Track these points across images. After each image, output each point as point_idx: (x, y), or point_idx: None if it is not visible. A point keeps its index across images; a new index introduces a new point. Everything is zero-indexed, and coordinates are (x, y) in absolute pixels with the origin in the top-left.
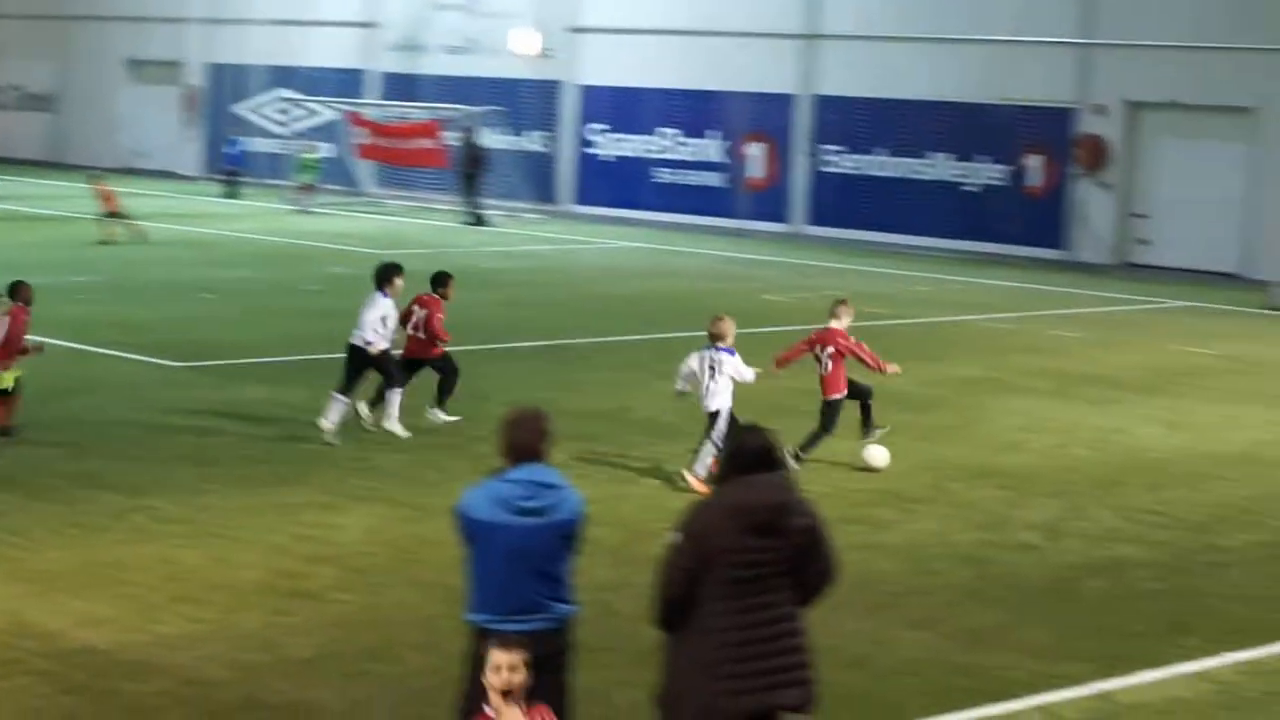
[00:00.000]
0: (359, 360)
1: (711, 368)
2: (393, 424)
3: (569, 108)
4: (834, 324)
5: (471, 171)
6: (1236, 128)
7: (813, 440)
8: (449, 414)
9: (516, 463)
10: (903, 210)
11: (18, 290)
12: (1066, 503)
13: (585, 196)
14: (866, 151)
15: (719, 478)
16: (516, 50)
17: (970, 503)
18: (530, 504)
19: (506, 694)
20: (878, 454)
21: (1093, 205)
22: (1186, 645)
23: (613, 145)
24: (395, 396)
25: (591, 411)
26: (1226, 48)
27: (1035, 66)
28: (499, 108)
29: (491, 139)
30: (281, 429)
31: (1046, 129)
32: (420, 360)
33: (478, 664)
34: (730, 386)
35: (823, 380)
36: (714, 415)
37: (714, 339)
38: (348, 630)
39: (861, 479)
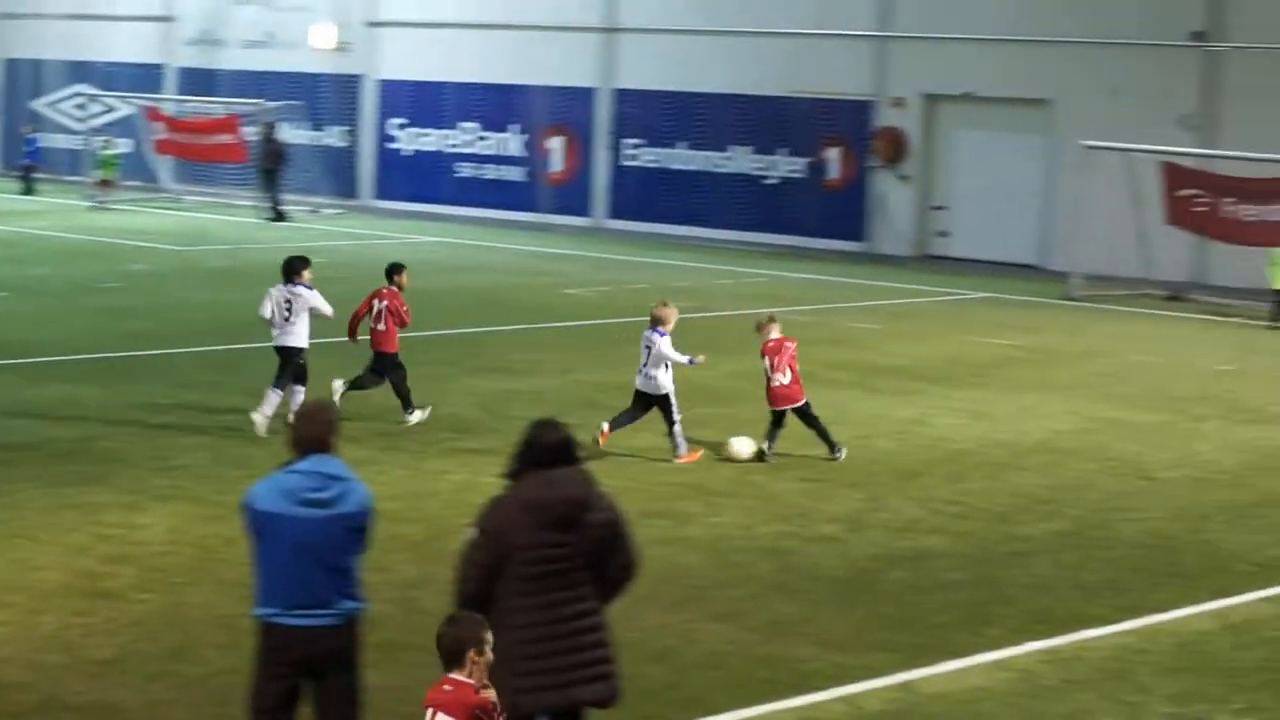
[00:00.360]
0: (287, 355)
1: (646, 348)
2: (261, 417)
3: (369, 102)
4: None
5: (271, 167)
6: (1033, 120)
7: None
8: (420, 408)
9: (304, 455)
10: (703, 204)
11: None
12: (868, 494)
13: (386, 191)
14: (667, 145)
15: (513, 473)
16: (315, 45)
17: (773, 495)
18: (317, 495)
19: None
20: (743, 445)
21: (892, 198)
22: (987, 635)
23: (413, 140)
24: (283, 394)
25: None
26: (1022, 40)
27: (833, 60)
28: (298, 102)
29: (291, 134)
30: (82, 428)
31: (845, 122)
32: (383, 354)
33: (265, 658)
34: (663, 368)
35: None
36: (650, 397)
37: (655, 322)
38: (149, 630)
39: (664, 472)
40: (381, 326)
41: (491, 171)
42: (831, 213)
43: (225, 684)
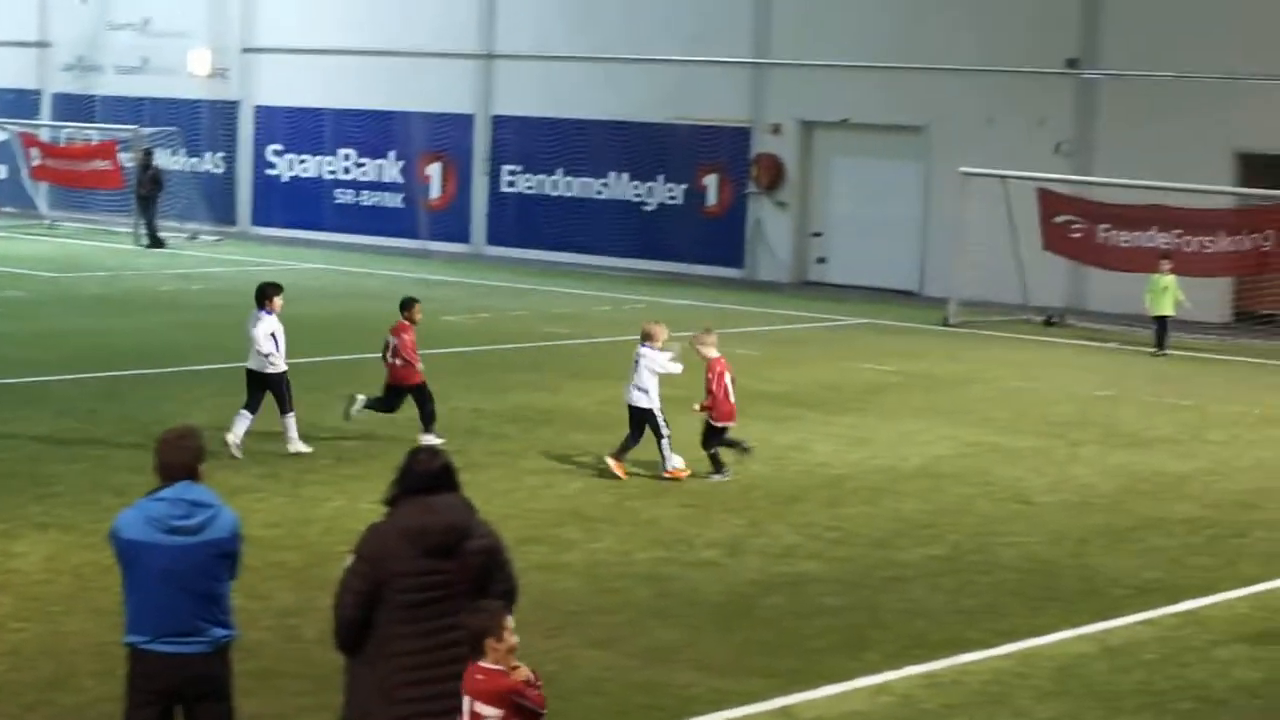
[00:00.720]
0: (256, 380)
1: (636, 361)
2: (295, 445)
3: (246, 128)
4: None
5: (148, 193)
6: (910, 146)
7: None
8: (438, 436)
9: (169, 481)
10: (582, 230)
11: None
12: (747, 520)
13: (264, 218)
14: (545, 172)
15: (391, 499)
16: (192, 70)
17: (651, 521)
18: (183, 523)
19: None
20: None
21: (770, 224)
22: (866, 659)
23: (291, 166)
24: (290, 421)
25: (272, 434)
26: (898, 67)
27: (711, 87)
28: (174, 128)
29: (168, 160)
30: None
31: (723, 149)
32: (402, 386)
33: (135, 686)
34: (655, 382)
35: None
36: (639, 411)
37: (645, 338)
38: (25, 659)
39: (543, 499)
40: (399, 362)
41: (370, 198)
42: (710, 239)
43: (103, 712)
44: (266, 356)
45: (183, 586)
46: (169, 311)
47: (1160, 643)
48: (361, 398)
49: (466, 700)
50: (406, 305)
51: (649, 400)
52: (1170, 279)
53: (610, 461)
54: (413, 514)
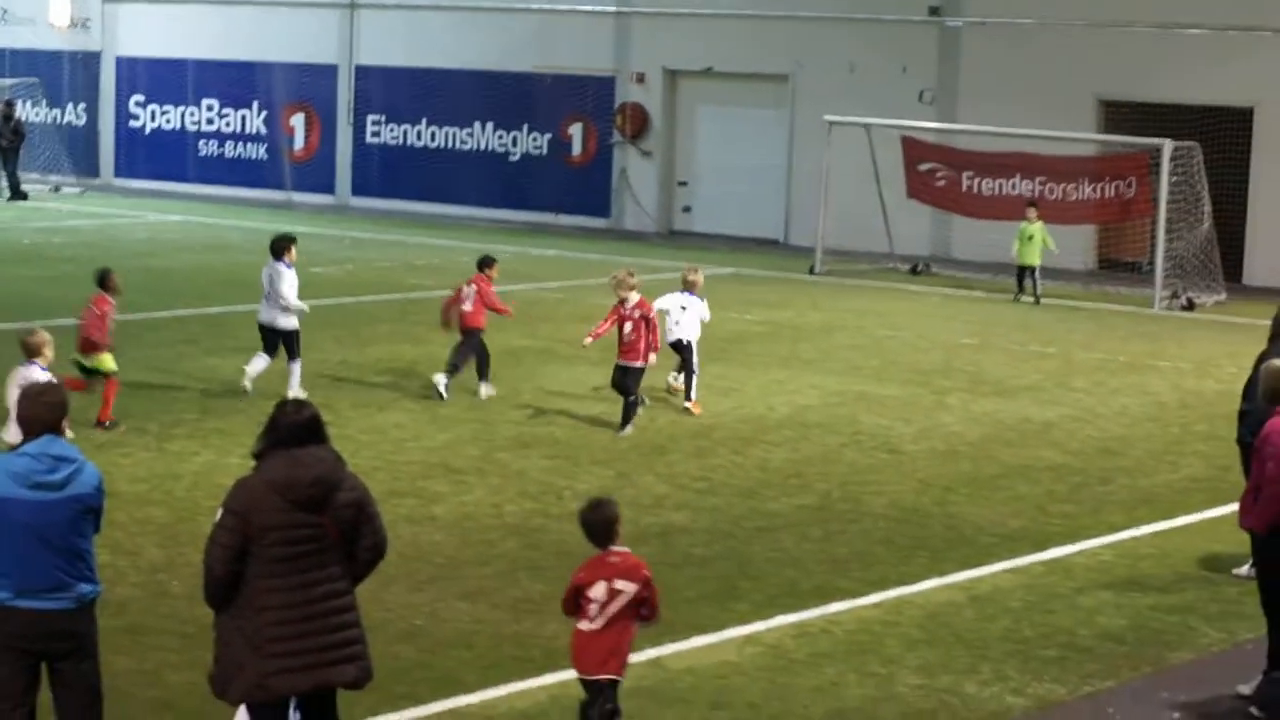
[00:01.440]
0: (271, 332)
1: (683, 307)
2: (296, 391)
3: (108, 80)
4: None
5: (9, 145)
6: (774, 95)
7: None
8: (491, 387)
9: (32, 436)
10: (448, 181)
11: (106, 278)
12: (615, 471)
13: (128, 170)
14: (410, 122)
15: (259, 453)
16: (52, 21)
17: (520, 472)
18: (47, 478)
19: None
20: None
21: (635, 173)
22: (736, 609)
23: (154, 118)
24: (296, 367)
25: (139, 387)
26: (762, 16)
27: (575, 36)
28: (36, 80)
29: (30, 112)
30: None
31: (587, 98)
32: (473, 329)
33: (3, 644)
34: (698, 323)
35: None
36: (683, 345)
37: (689, 286)
38: None
39: (411, 452)
40: (469, 307)
41: (233, 149)
42: (576, 189)
43: None
44: (295, 311)
45: (47, 542)
46: (31, 264)
47: (1026, 590)
48: (441, 377)
49: (602, 584)
50: (487, 263)
51: (691, 334)
52: (1037, 226)
53: (689, 405)
54: (280, 467)
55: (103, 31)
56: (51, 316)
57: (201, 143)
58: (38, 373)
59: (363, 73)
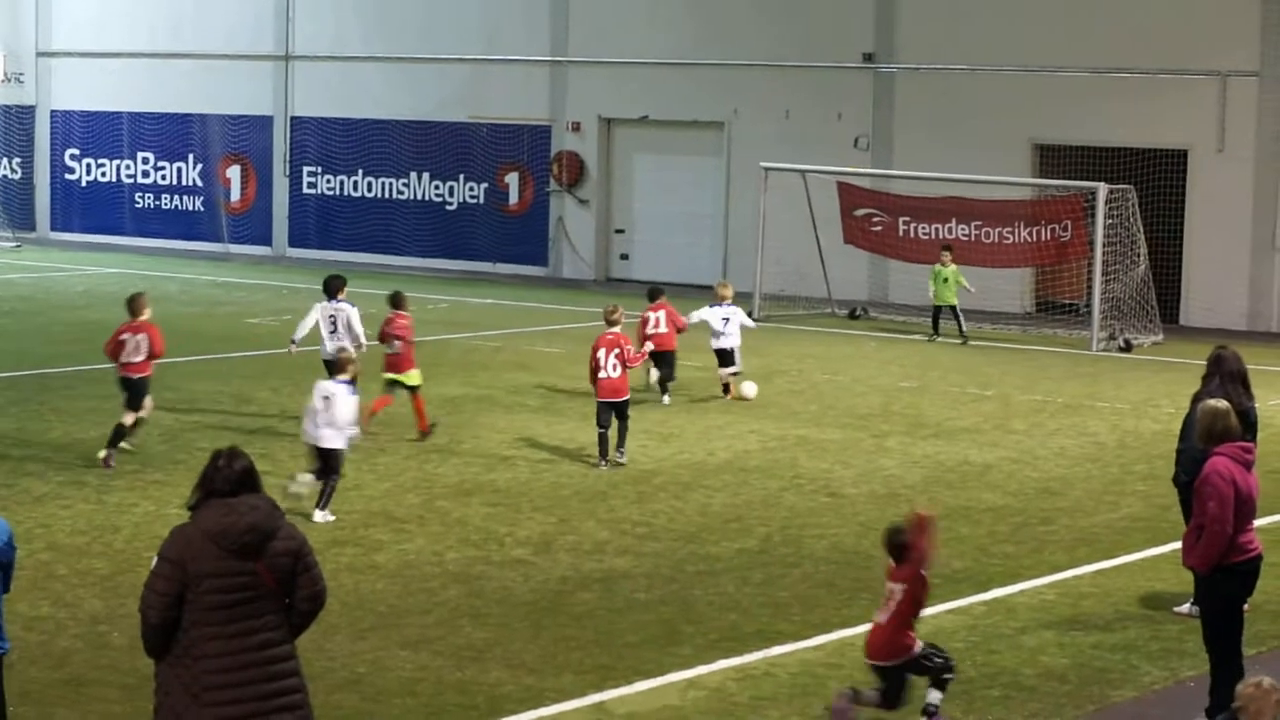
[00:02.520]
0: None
1: (725, 319)
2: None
3: (43, 133)
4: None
5: None
6: (710, 142)
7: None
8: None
9: None
10: (384, 231)
11: (399, 299)
12: (556, 517)
13: (64, 223)
14: (346, 172)
15: (195, 504)
16: None
17: (461, 520)
18: None
19: None
20: (749, 388)
21: (572, 222)
22: (679, 654)
23: (90, 170)
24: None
25: (76, 441)
26: (696, 64)
27: (510, 85)
28: None
29: None
30: None
31: (523, 147)
32: (665, 351)
33: None
34: (739, 330)
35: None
36: (728, 351)
37: (722, 299)
38: None
39: (352, 500)
40: (664, 330)
41: (169, 201)
42: (513, 238)
43: None
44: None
45: None
46: None
47: (969, 630)
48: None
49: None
50: (659, 292)
51: (735, 341)
52: (951, 269)
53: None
54: (214, 516)
55: (37, 85)
56: None
57: (138, 195)
58: (336, 387)
59: (298, 124)
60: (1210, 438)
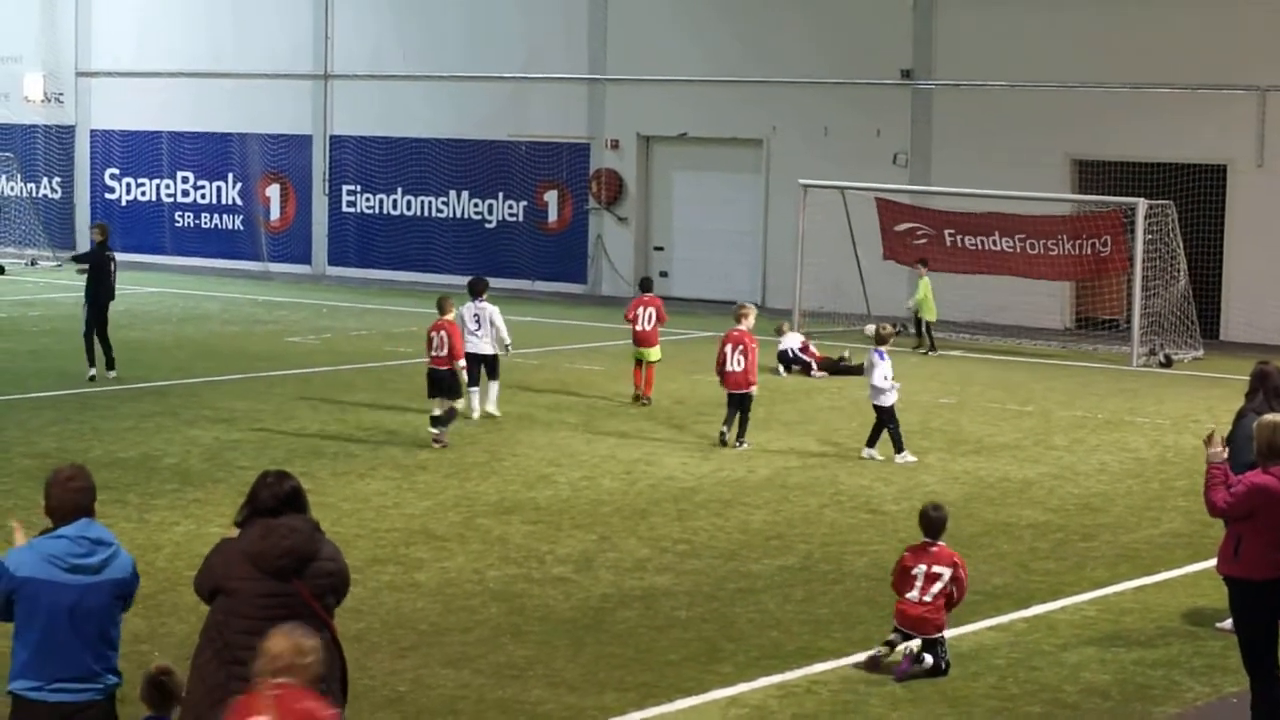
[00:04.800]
0: (478, 360)
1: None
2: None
3: (83, 153)
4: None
5: None
6: (747, 159)
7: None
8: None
9: (64, 521)
10: (423, 249)
11: (647, 282)
12: (597, 535)
13: None
14: (385, 191)
15: (241, 522)
16: (26, 95)
17: (502, 538)
18: (85, 561)
19: None
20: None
21: (611, 239)
22: (720, 671)
23: (130, 190)
24: (493, 387)
25: (117, 460)
26: (733, 81)
27: (549, 103)
28: (9, 154)
29: (4, 186)
30: None
31: (562, 165)
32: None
33: None
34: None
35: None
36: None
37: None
38: None
39: (392, 519)
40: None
41: (209, 220)
42: (552, 256)
43: None
44: (507, 344)
45: (78, 629)
46: (8, 338)
47: (1010, 647)
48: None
49: (921, 568)
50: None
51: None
52: (926, 281)
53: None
54: (254, 536)
55: (76, 105)
56: (28, 390)
57: (177, 214)
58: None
59: (337, 143)
60: (1271, 453)
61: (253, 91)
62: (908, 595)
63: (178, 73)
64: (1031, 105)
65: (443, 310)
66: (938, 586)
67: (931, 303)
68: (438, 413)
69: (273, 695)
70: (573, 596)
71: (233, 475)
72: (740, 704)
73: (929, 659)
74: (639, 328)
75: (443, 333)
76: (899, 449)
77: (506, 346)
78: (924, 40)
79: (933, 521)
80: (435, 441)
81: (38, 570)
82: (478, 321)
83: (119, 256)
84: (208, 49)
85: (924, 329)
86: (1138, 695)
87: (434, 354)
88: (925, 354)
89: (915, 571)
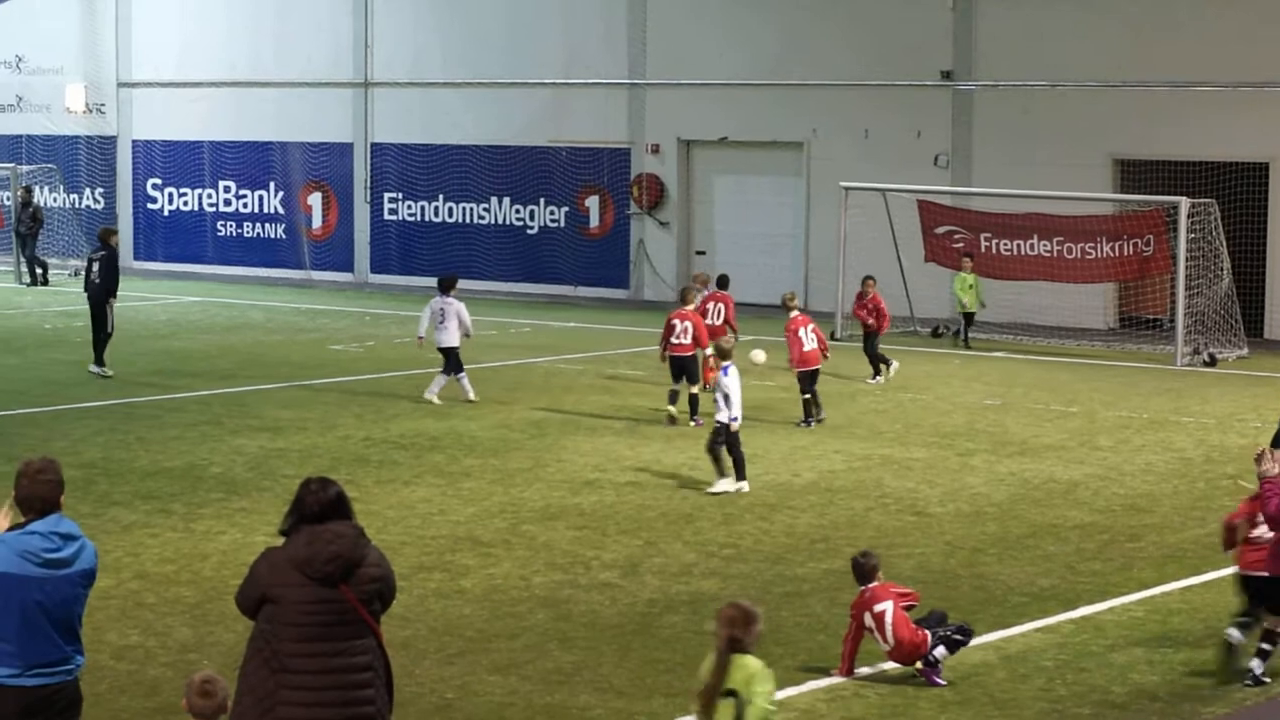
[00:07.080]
0: (453, 354)
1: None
2: (431, 394)
3: (125, 163)
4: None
5: (28, 231)
6: (787, 162)
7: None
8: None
9: (34, 515)
10: (465, 255)
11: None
12: (642, 540)
13: (147, 252)
14: (426, 198)
15: (287, 530)
16: (68, 106)
17: (547, 544)
18: (57, 555)
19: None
20: (758, 355)
21: (653, 244)
22: None
23: (172, 200)
24: (443, 380)
25: (163, 469)
26: (773, 84)
27: (589, 108)
28: (53, 165)
29: (47, 197)
30: None
31: (603, 170)
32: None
33: None
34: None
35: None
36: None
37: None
38: None
39: (438, 525)
40: (717, 322)
41: (252, 229)
42: (594, 261)
43: None
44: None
45: (51, 617)
46: (53, 349)
47: (1058, 649)
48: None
49: (868, 618)
50: (725, 282)
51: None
52: (972, 276)
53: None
54: (300, 543)
55: (118, 116)
56: (73, 400)
57: (220, 224)
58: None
59: (378, 150)
60: None
61: (293, 100)
62: (883, 648)
63: (219, 82)
64: (1073, 105)
65: (684, 300)
66: (889, 620)
67: (977, 293)
68: (679, 393)
69: None
70: (619, 602)
71: (278, 484)
72: (789, 708)
73: (943, 650)
74: (674, 339)
75: (687, 322)
76: (740, 476)
77: (468, 334)
78: (964, 41)
79: (862, 568)
80: (691, 421)
81: (12, 566)
82: (444, 316)
83: (161, 266)
84: (248, 58)
85: (963, 325)
86: (1187, 696)
87: (676, 340)
88: (952, 335)
89: (868, 625)
